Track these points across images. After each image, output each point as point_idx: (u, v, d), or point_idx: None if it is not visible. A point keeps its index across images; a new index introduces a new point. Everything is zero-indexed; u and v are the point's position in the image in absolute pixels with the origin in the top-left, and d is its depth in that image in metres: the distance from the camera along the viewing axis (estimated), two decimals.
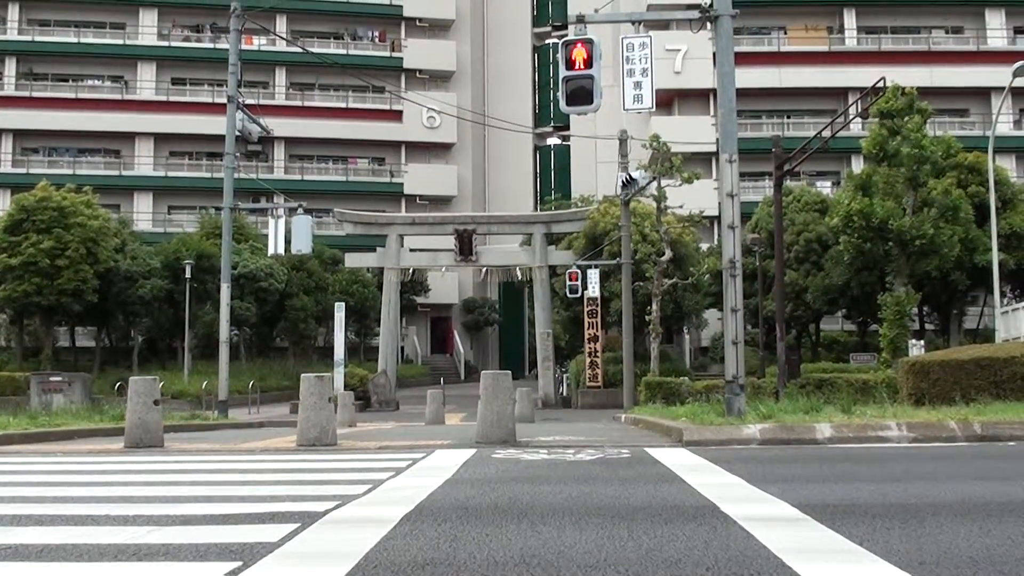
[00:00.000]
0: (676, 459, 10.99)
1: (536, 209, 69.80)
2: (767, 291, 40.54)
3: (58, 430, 18.66)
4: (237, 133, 30.56)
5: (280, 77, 68.84)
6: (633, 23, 18.61)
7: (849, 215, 36.71)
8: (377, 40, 71.68)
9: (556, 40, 68.87)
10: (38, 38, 66.46)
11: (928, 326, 48.17)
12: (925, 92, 40.56)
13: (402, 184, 68.90)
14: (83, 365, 49.39)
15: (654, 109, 18.89)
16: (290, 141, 66.26)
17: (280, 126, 48.64)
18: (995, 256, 34.75)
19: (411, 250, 51.09)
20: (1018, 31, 63.58)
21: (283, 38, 61.34)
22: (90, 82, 67.76)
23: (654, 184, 38.06)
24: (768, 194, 46.62)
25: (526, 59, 79.65)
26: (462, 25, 73.43)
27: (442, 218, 53.14)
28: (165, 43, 67.73)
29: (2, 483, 9.73)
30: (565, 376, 50.15)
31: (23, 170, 63.27)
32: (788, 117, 62.30)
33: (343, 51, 68.57)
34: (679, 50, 58.58)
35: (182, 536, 6.00)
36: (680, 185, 37.89)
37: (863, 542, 5.49)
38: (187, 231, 55.58)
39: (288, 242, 32.30)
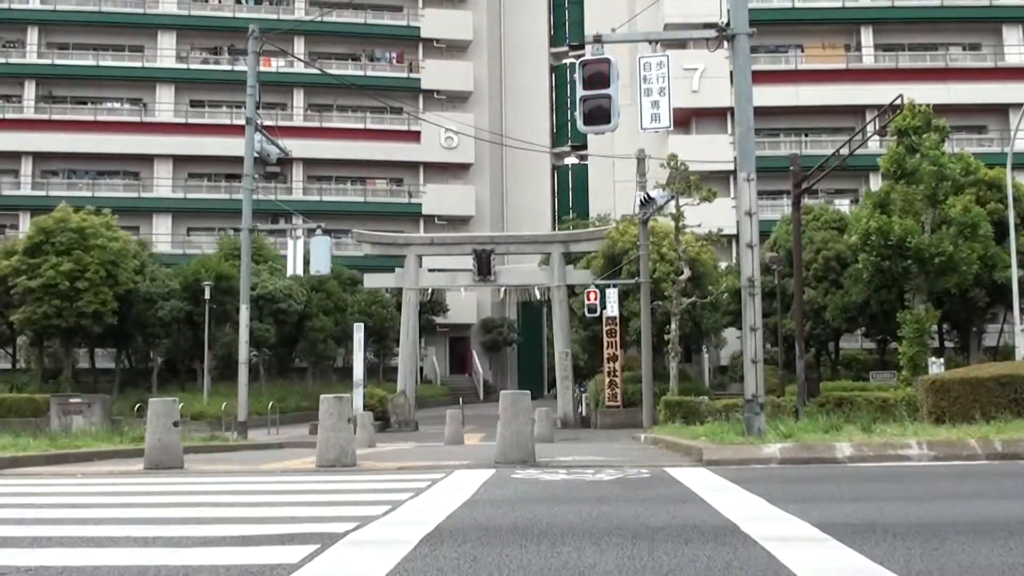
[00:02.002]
0: (696, 479, 10.97)
1: (554, 228, 69.80)
2: (786, 309, 40.43)
3: (78, 452, 18.69)
4: (255, 154, 30.61)
5: (298, 98, 69.11)
6: (650, 42, 18.60)
7: (868, 233, 36.59)
8: (395, 61, 71.94)
9: (573, 60, 68.65)
10: (57, 61, 66.80)
11: (948, 344, 47.98)
12: (943, 109, 40.46)
13: (420, 204, 69.01)
14: (103, 387, 49.49)
15: (671, 128, 18.88)
16: (308, 162, 66.37)
17: (298, 147, 48.66)
18: (1015, 273, 34.65)
19: (429, 270, 51.07)
20: None
21: (301, 60, 61.57)
22: (109, 105, 68.10)
23: (672, 203, 38.05)
24: (786, 212, 46.54)
25: (543, 79, 79.74)
26: (479, 46, 73.62)
27: (460, 238, 53.12)
28: (183, 65, 68.06)
29: (23, 505, 9.77)
30: (584, 396, 50.06)
31: (43, 192, 63.47)
32: (806, 135, 62.24)
33: (361, 72, 68.66)
34: (696, 69, 58.64)
35: (202, 558, 6.01)
36: (698, 204, 37.91)
37: (884, 562, 5.47)
38: (206, 252, 55.69)
39: (307, 263, 32.36)
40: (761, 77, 45.42)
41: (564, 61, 76.69)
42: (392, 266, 50.20)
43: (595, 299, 44.23)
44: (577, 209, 73.28)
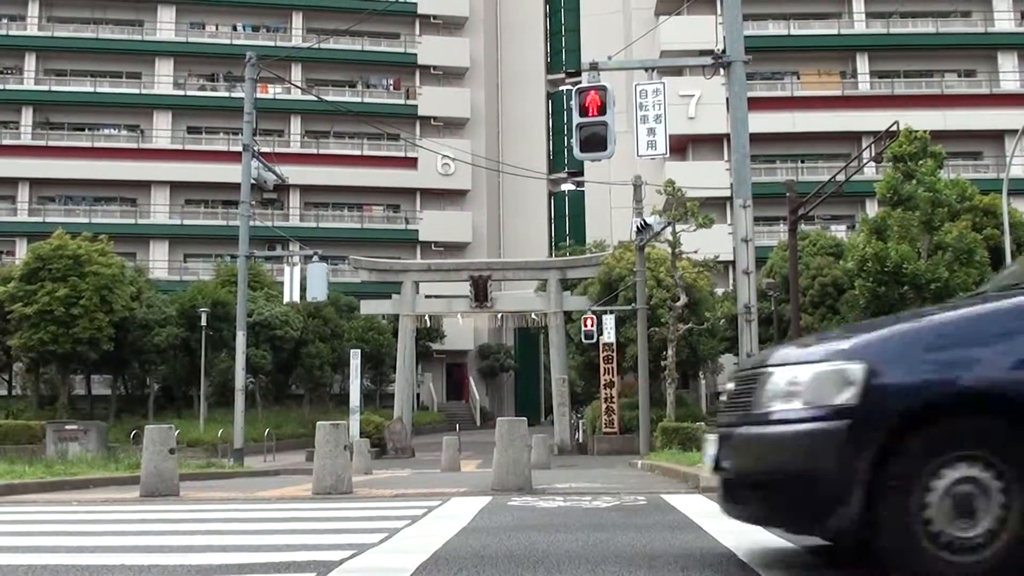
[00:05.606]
0: (693, 505, 10.94)
1: (551, 255, 69.94)
2: (782, 335, 40.41)
3: (74, 479, 18.64)
4: (252, 181, 30.62)
5: (295, 125, 69.22)
6: (646, 70, 18.63)
7: (864, 259, 36.62)
8: (392, 88, 72.11)
9: (570, 87, 69.07)
10: (55, 88, 66.95)
11: None
12: (939, 135, 40.54)
13: (417, 231, 69.08)
14: (99, 413, 49.43)
15: (668, 155, 18.90)
16: (305, 189, 66.44)
17: (295, 174, 48.68)
18: None
19: (426, 297, 51.13)
20: None
21: (298, 87, 61.67)
22: (106, 131, 68.19)
23: (669, 229, 38.05)
24: (783, 238, 46.61)
25: (540, 106, 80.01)
26: (476, 73, 73.81)
27: (457, 265, 53.20)
28: (181, 92, 68.23)
29: (18, 532, 9.73)
30: (581, 422, 50.00)
31: (39, 219, 63.53)
32: (802, 161, 62.35)
33: (358, 99, 68.80)
34: (693, 96, 58.75)
35: None
36: (695, 230, 37.87)
37: None
38: (203, 279, 55.69)
39: (303, 290, 32.35)
40: (757, 104, 45.46)
41: (561, 88, 77.03)
42: (389, 292, 50.27)
43: (592, 325, 44.27)
44: (574, 235, 73.49)
